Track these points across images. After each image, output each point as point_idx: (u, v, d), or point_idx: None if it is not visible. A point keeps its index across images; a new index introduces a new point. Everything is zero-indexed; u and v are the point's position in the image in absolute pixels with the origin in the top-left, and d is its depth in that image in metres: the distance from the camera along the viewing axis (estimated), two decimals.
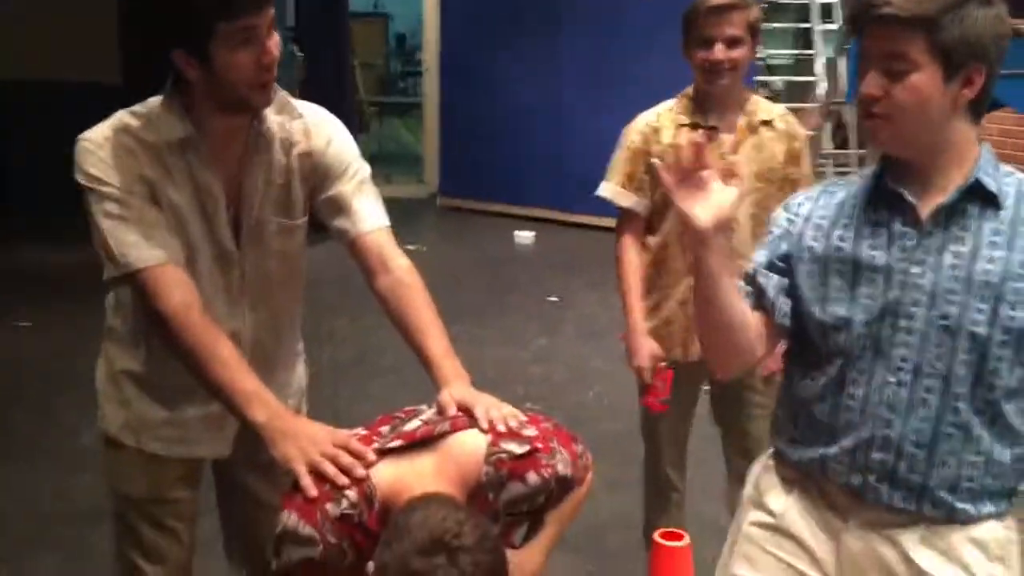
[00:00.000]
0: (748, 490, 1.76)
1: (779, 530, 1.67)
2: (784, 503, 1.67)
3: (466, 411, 1.61)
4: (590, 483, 1.68)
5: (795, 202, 1.66)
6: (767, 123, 2.48)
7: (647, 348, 2.55)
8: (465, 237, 7.93)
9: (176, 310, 1.69)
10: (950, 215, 1.49)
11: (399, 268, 1.83)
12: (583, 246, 7.48)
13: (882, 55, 1.45)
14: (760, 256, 1.66)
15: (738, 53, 2.38)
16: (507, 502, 1.57)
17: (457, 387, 1.67)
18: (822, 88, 6.09)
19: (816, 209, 1.61)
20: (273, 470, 2.04)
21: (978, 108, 1.49)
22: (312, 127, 1.86)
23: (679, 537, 2.12)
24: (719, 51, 2.37)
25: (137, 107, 1.78)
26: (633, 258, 2.57)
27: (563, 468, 1.58)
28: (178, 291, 1.71)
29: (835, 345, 1.55)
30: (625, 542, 3.08)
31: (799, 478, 1.66)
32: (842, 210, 1.58)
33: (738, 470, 2.70)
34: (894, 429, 1.51)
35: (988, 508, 1.53)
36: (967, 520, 1.53)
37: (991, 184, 1.48)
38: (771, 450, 1.75)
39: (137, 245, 1.70)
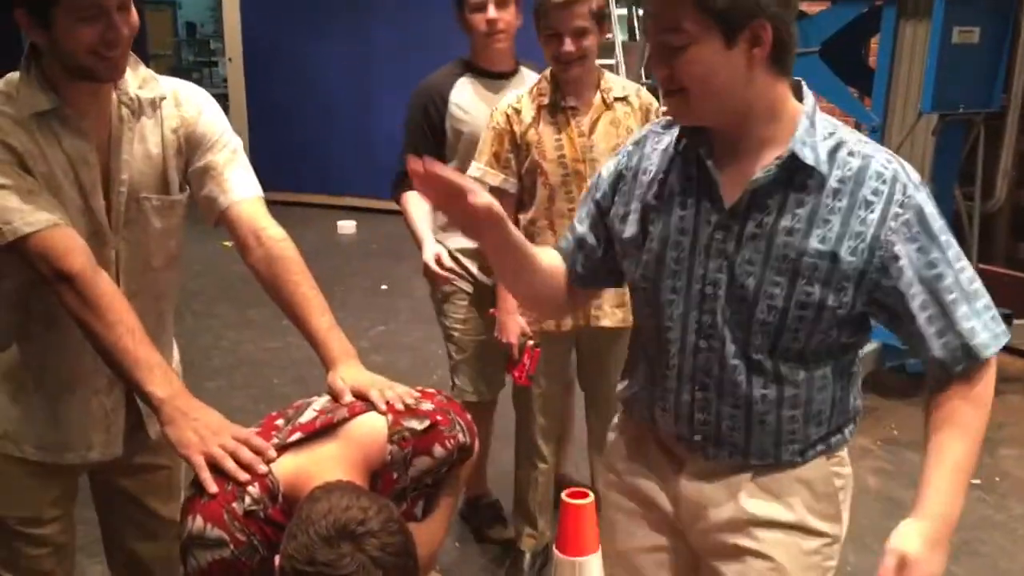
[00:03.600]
0: (605, 455, 1.81)
1: (625, 487, 1.69)
2: (627, 461, 1.69)
3: (360, 395, 1.60)
4: (477, 450, 1.71)
5: (623, 153, 1.62)
6: (622, 99, 2.59)
7: (516, 326, 2.63)
8: (286, 230, 7.71)
9: (82, 269, 1.60)
10: (762, 190, 1.42)
11: (272, 240, 1.77)
12: (405, 232, 7.45)
13: (658, 31, 1.37)
14: (579, 211, 1.67)
15: (588, 42, 2.48)
16: (414, 477, 1.59)
17: (347, 369, 1.66)
18: (622, 71, 6.36)
19: (642, 160, 1.57)
20: (156, 477, 1.98)
21: (781, 60, 1.38)
22: (182, 98, 1.80)
23: (585, 495, 2.20)
24: (568, 44, 2.46)
25: None
26: None
27: (463, 436, 1.62)
28: (79, 250, 1.62)
29: (648, 304, 1.54)
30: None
31: (638, 433, 1.67)
32: (662, 164, 1.53)
33: (596, 435, 2.85)
34: (710, 391, 1.50)
35: (813, 451, 1.54)
36: (794, 465, 1.54)
37: (808, 156, 1.39)
38: (619, 410, 1.77)
39: (21, 211, 1.60)
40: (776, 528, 1.54)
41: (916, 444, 3.72)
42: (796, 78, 1.45)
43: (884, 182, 1.39)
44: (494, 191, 2.63)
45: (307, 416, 1.57)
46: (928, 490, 1.40)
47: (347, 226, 7.44)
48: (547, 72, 2.60)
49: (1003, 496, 3.50)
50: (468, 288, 2.89)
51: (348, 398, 1.59)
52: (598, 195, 1.63)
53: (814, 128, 1.41)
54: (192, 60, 14.99)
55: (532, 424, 2.80)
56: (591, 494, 2.24)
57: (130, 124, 1.74)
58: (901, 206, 1.39)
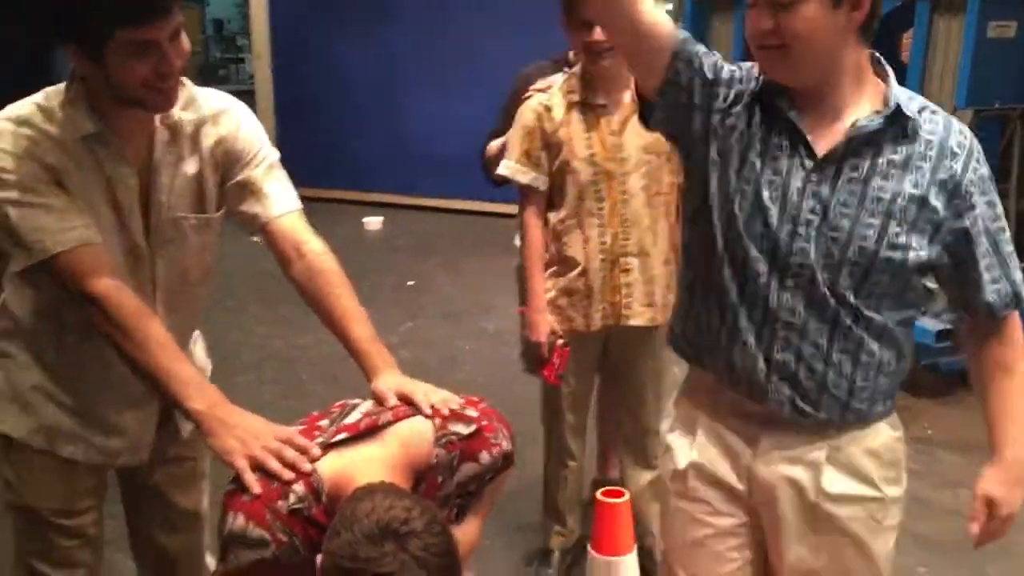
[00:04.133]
0: (665, 446, 1.83)
1: (696, 475, 1.73)
2: (694, 446, 1.73)
3: (405, 399, 1.60)
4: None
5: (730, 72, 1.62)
6: None
7: (545, 325, 2.62)
8: (313, 226, 7.75)
9: (108, 290, 1.61)
10: (862, 139, 1.52)
11: (313, 252, 1.79)
12: (432, 229, 7.50)
13: None
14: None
15: None
16: (459, 483, 1.59)
17: (389, 376, 1.67)
18: None
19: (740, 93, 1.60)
20: (181, 469, 2.00)
21: (868, 30, 1.51)
22: (221, 114, 1.81)
23: (620, 494, 2.19)
24: (599, 33, 2.41)
25: (37, 97, 1.69)
26: (536, 234, 2.61)
27: (506, 444, 1.62)
28: (107, 270, 1.63)
29: (734, 245, 1.58)
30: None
31: (706, 404, 1.72)
32: (749, 103, 1.58)
33: (627, 432, 2.83)
34: (793, 330, 1.57)
35: (879, 407, 1.64)
36: (861, 420, 1.63)
37: (910, 109, 1.51)
38: (675, 394, 1.82)
39: (51, 229, 1.61)
40: (853, 503, 1.65)
41: (949, 444, 3.68)
42: (874, 52, 1.57)
43: (965, 138, 1.56)
44: (525, 189, 2.62)
45: (352, 417, 1.57)
46: (1002, 437, 1.63)
47: (374, 222, 7.46)
48: (577, 68, 2.58)
49: None
50: None
51: (393, 401, 1.59)
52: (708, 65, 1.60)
53: (903, 89, 1.56)
54: (219, 57, 15.12)
55: (561, 423, 2.79)
56: (626, 493, 2.23)
57: (171, 148, 1.75)
58: (978, 162, 1.56)
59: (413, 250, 6.89)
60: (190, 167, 1.78)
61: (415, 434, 1.56)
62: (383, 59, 8.00)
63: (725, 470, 1.71)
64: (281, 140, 8.23)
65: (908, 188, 1.52)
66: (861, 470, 1.65)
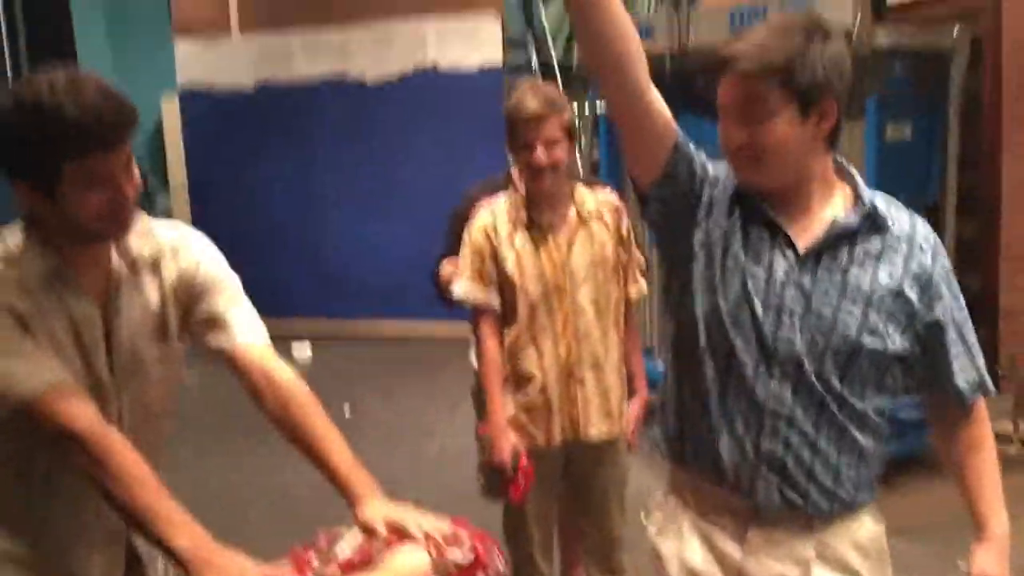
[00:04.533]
0: (654, 552, 1.83)
1: (685, 569, 1.74)
2: (683, 550, 1.74)
3: (394, 528, 1.58)
4: None
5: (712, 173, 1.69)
6: (595, 213, 2.66)
7: (508, 445, 2.62)
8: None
9: (92, 429, 1.57)
10: (839, 234, 1.60)
11: (284, 383, 1.78)
12: (362, 355, 7.44)
13: (738, 104, 1.56)
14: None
15: (558, 154, 2.55)
16: None
17: (374, 503, 1.64)
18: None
19: (720, 192, 1.67)
20: None
21: (834, 137, 1.61)
22: (180, 248, 1.81)
23: None
24: (540, 154, 2.53)
25: None
26: (495, 353, 2.64)
27: (501, 567, 1.60)
28: (84, 407, 1.59)
29: (719, 336, 1.63)
30: None
31: (691, 503, 1.73)
32: (727, 204, 1.66)
33: (594, 541, 2.82)
34: (780, 419, 1.61)
35: (862, 495, 1.68)
36: (846, 509, 1.66)
37: (881, 208, 1.62)
38: (657, 499, 1.83)
39: (25, 374, 1.57)
40: None
41: (895, 530, 3.72)
42: (836, 156, 1.67)
43: (930, 233, 1.66)
44: (479, 308, 2.66)
45: (342, 550, 1.54)
46: (986, 512, 1.70)
47: (302, 348, 7.37)
48: (520, 187, 2.66)
49: None
50: None
51: (382, 531, 1.57)
52: (698, 162, 1.68)
53: (868, 189, 1.65)
54: None
55: (529, 542, 2.76)
56: None
57: (130, 281, 1.74)
58: (943, 256, 1.66)
59: (346, 377, 6.81)
60: (153, 301, 1.76)
61: (412, 565, 1.53)
62: (305, 186, 8.06)
63: (715, 572, 1.71)
64: None
65: (884, 279, 1.60)
66: (850, 565, 1.68)
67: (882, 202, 1.64)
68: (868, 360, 1.61)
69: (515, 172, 2.86)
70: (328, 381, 6.74)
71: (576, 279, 2.60)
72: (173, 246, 1.80)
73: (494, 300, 2.64)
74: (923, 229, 1.65)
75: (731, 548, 1.70)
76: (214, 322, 1.80)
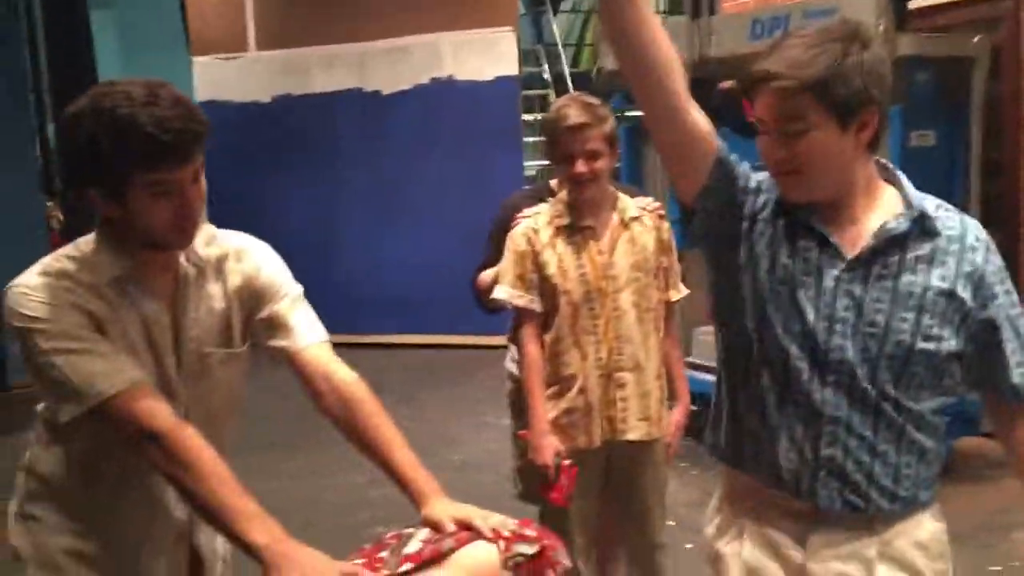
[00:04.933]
0: (715, 555, 1.82)
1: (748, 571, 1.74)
2: (744, 552, 1.74)
3: (463, 525, 1.60)
4: None
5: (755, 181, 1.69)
6: (636, 218, 2.69)
7: (550, 446, 2.64)
8: (259, 372, 7.64)
9: (170, 426, 1.60)
10: (889, 240, 1.59)
11: (343, 382, 1.80)
12: (382, 366, 7.45)
13: (777, 120, 1.55)
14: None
15: (600, 164, 2.57)
16: None
17: (440, 502, 1.66)
18: None
19: (764, 203, 1.67)
20: None
21: (876, 142, 1.59)
22: (243, 252, 1.85)
23: None
24: (580, 165, 2.55)
25: (68, 249, 1.72)
26: (536, 356, 2.66)
27: (567, 561, 1.62)
28: (163, 408, 1.63)
29: (772, 347, 1.63)
30: None
31: (751, 508, 1.73)
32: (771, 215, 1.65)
33: (635, 547, 2.84)
34: (839, 424, 1.62)
35: (923, 495, 1.68)
36: (908, 510, 1.67)
37: (931, 210, 1.61)
38: (715, 503, 1.83)
39: (103, 373, 1.60)
40: None
41: None
42: (879, 159, 1.66)
43: (981, 233, 1.65)
44: (522, 312, 2.69)
45: (412, 547, 1.56)
46: None
47: None
48: (563, 194, 2.69)
49: None
50: None
51: (451, 527, 1.58)
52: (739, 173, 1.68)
53: (917, 192, 1.64)
54: None
55: (570, 546, 2.77)
56: None
57: (197, 283, 1.77)
58: (994, 254, 1.65)
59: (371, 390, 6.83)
60: (217, 303, 1.80)
61: (483, 560, 1.55)
62: (324, 201, 8.10)
63: (778, 573, 1.71)
64: None
65: (936, 282, 1.59)
66: (913, 565, 1.68)
67: (931, 204, 1.64)
68: (923, 363, 1.61)
69: (555, 182, 2.89)
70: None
71: (618, 282, 2.63)
72: (237, 251, 1.84)
73: (536, 304, 2.66)
74: (974, 229, 1.65)
75: (793, 550, 1.70)
76: (276, 323, 1.83)
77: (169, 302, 1.75)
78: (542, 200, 2.80)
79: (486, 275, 2.91)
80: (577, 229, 2.64)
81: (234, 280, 1.82)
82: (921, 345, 1.60)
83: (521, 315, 2.70)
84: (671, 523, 3.17)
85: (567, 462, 2.64)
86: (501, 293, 2.68)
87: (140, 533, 1.78)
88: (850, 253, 1.61)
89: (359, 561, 1.55)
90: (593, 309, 2.63)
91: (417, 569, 1.52)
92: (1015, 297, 1.67)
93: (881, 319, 1.60)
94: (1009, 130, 4.90)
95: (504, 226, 2.80)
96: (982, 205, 4.52)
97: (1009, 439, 1.74)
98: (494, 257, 2.83)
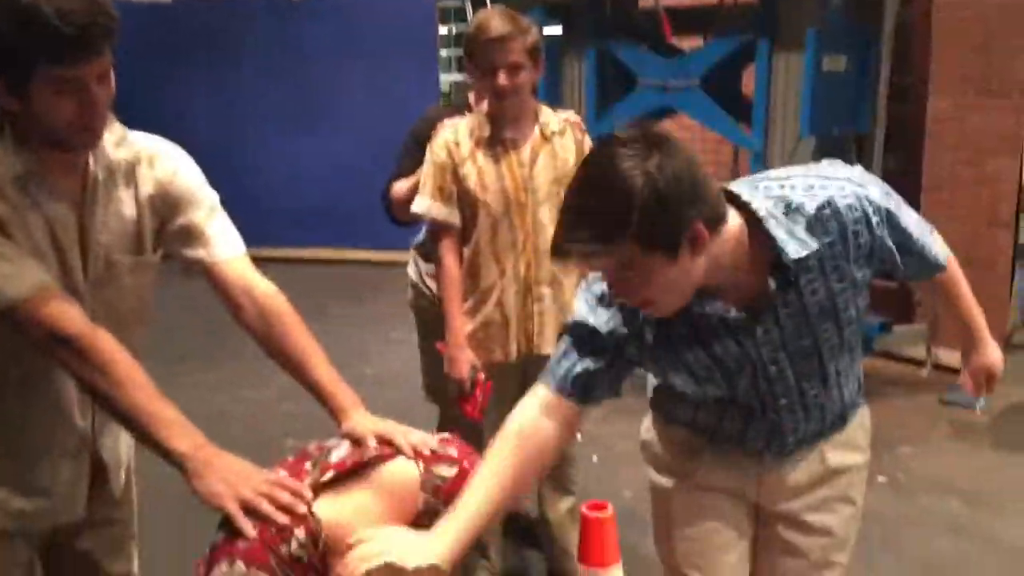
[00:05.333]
0: (656, 456, 1.91)
1: (699, 484, 1.83)
2: (697, 460, 1.82)
3: (384, 440, 1.60)
4: None
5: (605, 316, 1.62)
6: (559, 132, 2.66)
7: (466, 360, 2.65)
8: (168, 284, 7.46)
9: (81, 330, 1.55)
10: (774, 296, 1.56)
11: (265, 296, 1.76)
12: (293, 280, 7.32)
13: (612, 272, 1.48)
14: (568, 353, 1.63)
15: (521, 78, 2.53)
16: None
17: (361, 416, 1.65)
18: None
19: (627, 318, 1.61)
20: (111, 532, 1.93)
21: (716, 227, 1.46)
22: (156, 157, 1.77)
23: (604, 507, 2.22)
24: (502, 78, 2.51)
25: None
26: (453, 269, 2.65)
27: None
28: (74, 311, 1.57)
29: (712, 397, 1.71)
30: None
31: (706, 441, 1.82)
32: (660, 325, 1.60)
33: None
34: (797, 414, 1.72)
35: (860, 399, 1.86)
36: (851, 411, 1.83)
37: (801, 251, 1.51)
38: (650, 438, 1.91)
39: (10, 276, 1.53)
40: (851, 471, 1.85)
41: (954, 491, 3.79)
42: (726, 189, 1.54)
43: (855, 210, 1.56)
44: (439, 225, 2.66)
45: (336, 456, 1.55)
46: (974, 321, 1.94)
47: None
48: (483, 106, 2.65)
49: (911, 492, 3.72)
50: None
51: (372, 442, 1.58)
52: (599, 340, 1.62)
53: (784, 217, 1.52)
54: None
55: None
56: (610, 507, 2.25)
57: (106, 186, 1.70)
58: (875, 213, 1.59)
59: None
60: (128, 209, 1.73)
61: (403, 479, 1.55)
62: (230, 109, 7.83)
63: (734, 479, 1.82)
64: None
65: (836, 285, 1.59)
66: (855, 441, 1.85)
67: (800, 224, 1.52)
68: (852, 332, 1.67)
69: (472, 96, 2.84)
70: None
71: (538, 195, 2.61)
72: (150, 155, 1.76)
73: (454, 217, 2.64)
74: (851, 213, 1.55)
75: (748, 464, 1.81)
76: (191, 233, 1.77)
77: (76, 204, 1.67)
78: (459, 113, 2.76)
79: (400, 186, 2.86)
80: (498, 141, 2.61)
81: (146, 187, 1.74)
82: (847, 329, 1.65)
83: (439, 228, 2.67)
84: (579, 437, 3.24)
85: (482, 376, 2.66)
86: (420, 205, 2.64)
87: (43, 440, 1.73)
88: (749, 309, 1.57)
89: (283, 473, 1.54)
90: (512, 223, 2.62)
91: (339, 479, 1.52)
92: (901, 228, 1.64)
93: (807, 341, 1.63)
94: (917, 57, 5.00)
95: (420, 138, 2.76)
96: (887, 130, 4.63)
97: (937, 293, 1.90)
98: (408, 168, 2.79)
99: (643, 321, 1.59)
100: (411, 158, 2.78)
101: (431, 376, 3.01)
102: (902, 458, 3.99)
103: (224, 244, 1.78)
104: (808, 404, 1.72)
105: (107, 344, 1.57)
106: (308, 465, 1.55)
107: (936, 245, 1.77)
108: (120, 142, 1.72)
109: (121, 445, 1.89)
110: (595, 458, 3.97)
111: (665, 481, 1.88)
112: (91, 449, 1.81)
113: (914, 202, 5.19)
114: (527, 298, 2.66)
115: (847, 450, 1.84)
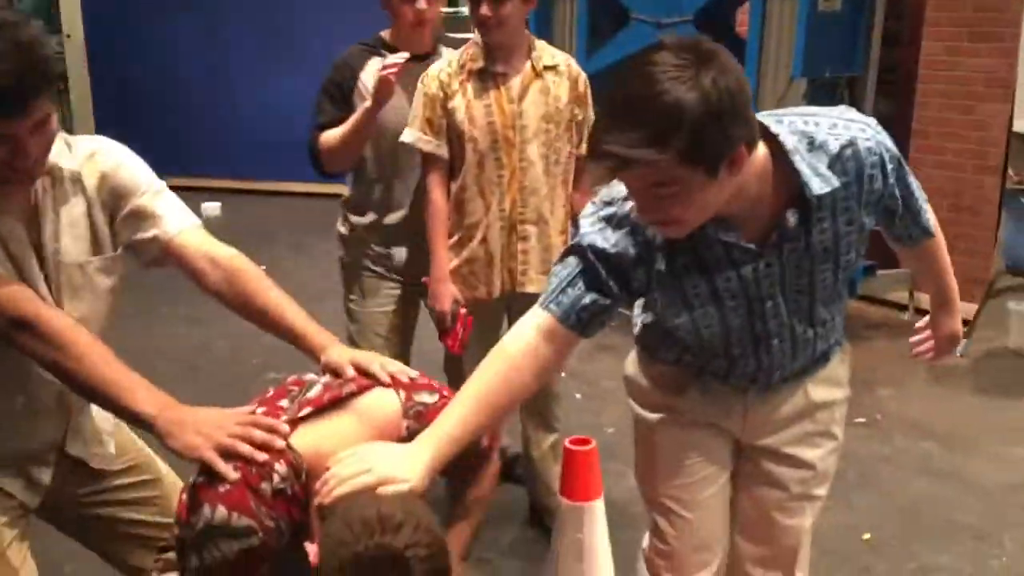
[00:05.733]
0: (642, 392, 1.92)
1: (685, 420, 1.85)
2: (682, 396, 1.84)
3: (362, 371, 1.60)
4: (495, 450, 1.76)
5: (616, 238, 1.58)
6: (551, 67, 2.62)
7: (448, 294, 2.64)
8: None
9: (39, 313, 1.56)
10: (788, 231, 1.55)
11: (227, 258, 1.77)
12: (271, 213, 7.31)
13: (645, 187, 1.42)
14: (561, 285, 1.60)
15: (507, 10, 2.48)
16: None
17: (339, 349, 1.66)
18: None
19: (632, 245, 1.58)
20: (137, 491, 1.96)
21: (753, 147, 1.45)
22: (98, 152, 1.76)
23: (588, 442, 2.22)
24: (485, 8, 2.47)
25: None
26: (440, 203, 2.62)
27: None
28: (28, 295, 1.58)
29: (709, 333, 1.68)
30: None
31: (690, 379, 1.84)
32: (668, 244, 1.57)
33: (530, 398, 2.90)
34: (783, 346, 1.72)
35: (842, 338, 1.88)
36: (835, 352, 1.87)
37: (824, 187, 1.50)
38: (634, 372, 1.92)
39: None
40: (833, 406, 1.88)
41: (933, 435, 3.77)
42: (756, 121, 1.47)
43: (874, 154, 1.57)
44: (428, 157, 2.63)
45: (314, 392, 1.55)
46: (951, 289, 1.95)
47: (212, 207, 7.17)
48: (476, 37, 2.60)
49: (887, 432, 3.78)
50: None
51: (350, 372, 1.58)
52: (604, 271, 1.59)
53: (808, 153, 1.51)
54: None
55: None
56: (593, 441, 2.27)
57: (54, 196, 1.70)
58: (891, 161, 1.61)
59: (257, 236, 6.67)
60: (77, 208, 1.73)
61: (383, 406, 1.55)
62: (210, 39, 7.69)
63: (718, 414, 1.84)
64: (102, 128, 7.85)
65: (844, 227, 1.59)
66: (836, 376, 1.88)
67: (822, 160, 1.52)
68: (845, 275, 1.68)
69: (387, 33, 2.76)
70: (240, 239, 6.57)
71: (526, 132, 2.58)
72: (92, 152, 1.76)
73: (442, 150, 2.61)
74: (869, 156, 1.56)
75: (734, 399, 1.82)
76: (141, 215, 1.77)
77: (26, 218, 1.67)
78: (377, 54, 2.69)
79: (330, 136, 2.70)
80: (488, 74, 2.56)
81: (91, 181, 1.74)
82: (843, 274, 1.66)
83: (427, 160, 2.64)
84: (562, 374, 3.26)
85: (463, 311, 2.65)
86: (408, 137, 2.61)
87: (18, 391, 1.74)
88: (756, 243, 1.56)
89: (261, 409, 1.54)
90: (499, 159, 2.59)
91: (317, 413, 1.51)
92: (906, 182, 1.67)
93: (805, 280, 1.63)
94: (911, 0, 4.94)
95: (337, 85, 2.70)
96: (880, 73, 4.59)
97: (916, 257, 1.89)
98: (332, 116, 2.69)
99: (655, 247, 1.56)
100: (334, 105, 2.70)
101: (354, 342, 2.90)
102: (881, 400, 4.04)
103: (176, 218, 1.78)
104: (797, 342, 1.73)
105: (64, 322, 1.58)
106: (285, 402, 1.55)
107: (930, 212, 1.78)
108: (63, 152, 1.71)
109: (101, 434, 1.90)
110: (579, 395, 3.99)
111: (649, 416, 1.89)
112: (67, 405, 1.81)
113: (903, 147, 5.17)
114: (512, 236, 2.65)
115: (829, 385, 1.87)
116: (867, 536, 3.05)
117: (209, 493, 1.41)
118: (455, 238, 2.67)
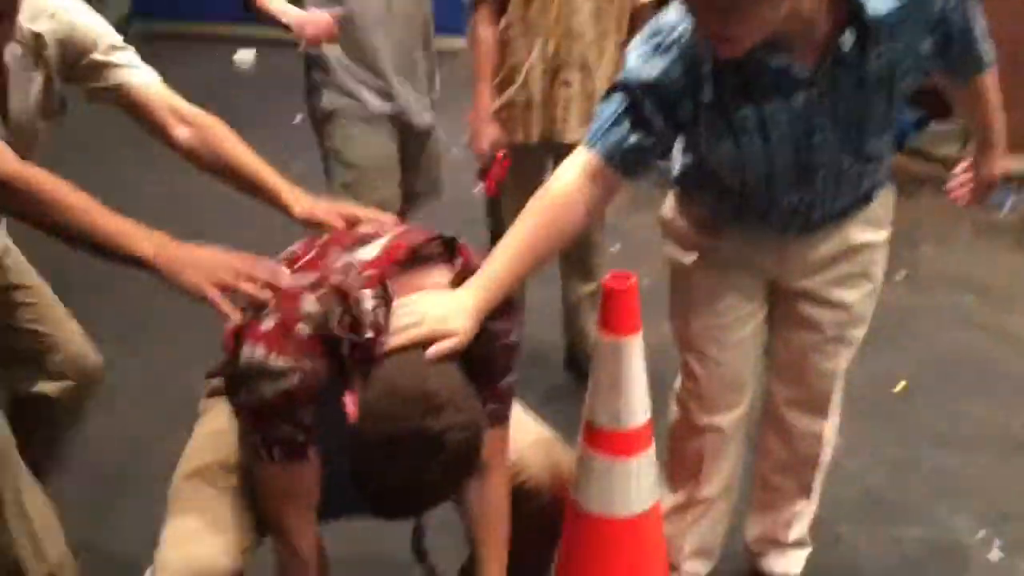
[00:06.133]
0: (676, 235, 1.91)
1: (720, 260, 1.85)
2: (716, 240, 1.84)
3: (349, 220, 1.62)
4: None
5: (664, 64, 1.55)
6: None
7: (489, 133, 2.61)
8: (173, 65, 7.29)
9: (19, 169, 1.54)
10: (844, 56, 1.52)
11: (194, 115, 1.77)
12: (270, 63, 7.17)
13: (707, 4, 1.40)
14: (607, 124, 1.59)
15: None
16: None
17: (308, 200, 1.68)
18: None
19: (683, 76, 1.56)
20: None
21: None
22: (58, 11, 1.75)
23: (628, 277, 2.23)
24: None
25: None
26: (487, 39, 2.56)
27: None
28: (6, 152, 1.56)
29: (754, 162, 1.64)
30: None
31: (718, 230, 1.84)
32: (716, 74, 1.55)
33: (570, 248, 2.89)
34: (829, 187, 1.70)
35: (887, 179, 1.85)
36: (878, 193, 1.84)
37: (881, 8, 1.49)
38: (669, 215, 1.91)
39: None
40: (873, 248, 1.87)
41: (968, 287, 3.80)
42: None
43: None
44: None
45: (371, 252, 1.47)
46: (990, 126, 1.89)
47: (245, 58, 7.05)
48: None
49: (928, 286, 3.76)
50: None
51: (340, 223, 1.61)
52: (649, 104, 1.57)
53: None
54: None
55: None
56: (632, 276, 2.27)
57: (23, 66, 1.70)
58: None
59: (290, 84, 6.55)
60: (40, 78, 1.74)
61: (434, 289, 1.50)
62: None
63: (755, 254, 1.83)
64: None
65: (902, 51, 1.54)
66: (876, 216, 1.86)
67: None
68: (898, 106, 1.63)
69: None
70: (273, 88, 6.51)
71: None
72: (52, 11, 1.74)
73: None
74: None
75: (772, 237, 1.81)
76: (101, 65, 1.77)
77: None
78: None
79: None
80: None
81: (52, 40, 1.74)
82: (896, 105, 1.62)
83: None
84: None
85: (501, 153, 2.62)
86: None
87: None
88: (810, 70, 1.53)
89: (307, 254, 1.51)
90: (545, 1, 2.50)
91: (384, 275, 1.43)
92: (966, 7, 1.61)
93: (857, 111, 1.59)
94: None
95: None
96: None
97: (967, 90, 1.82)
98: None
99: (702, 75, 1.53)
100: None
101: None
102: (923, 255, 4.00)
103: (140, 72, 1.80)
104: (842, 179, 1.69)
105: (44, 176, 1.56)
106: (340, 257, 1.48)
107: (987, 44, 1.72)
108: (36, 16, 1.71)
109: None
110: (616, 247, 3.99)
111: (685, 257, 1.88)
112: None
113: None
114: (554, 81, 2.58)
115: (869, 227, 1.84)
116: (903, 383, 3.08)
117: (253, 330, 1.40)
118: (497, 80, 2.62)
